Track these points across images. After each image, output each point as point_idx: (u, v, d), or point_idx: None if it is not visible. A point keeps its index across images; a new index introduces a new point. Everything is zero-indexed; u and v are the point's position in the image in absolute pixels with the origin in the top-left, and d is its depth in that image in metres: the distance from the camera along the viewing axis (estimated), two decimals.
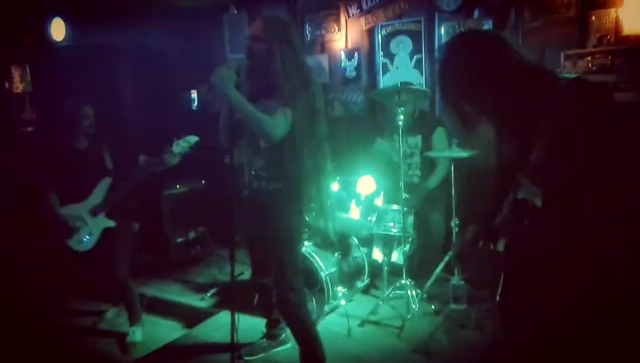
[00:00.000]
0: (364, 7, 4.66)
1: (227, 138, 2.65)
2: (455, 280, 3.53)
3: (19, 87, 5.36)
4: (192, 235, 5.19)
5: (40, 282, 4.22)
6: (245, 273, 4.12)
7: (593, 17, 3.68)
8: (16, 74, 5.36)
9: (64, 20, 4.67)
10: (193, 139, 3.27)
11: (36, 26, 4.69)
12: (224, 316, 3.71)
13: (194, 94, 5.56)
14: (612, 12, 3.60)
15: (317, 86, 2.64)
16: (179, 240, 5.11)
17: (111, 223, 3.41)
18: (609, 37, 3.60)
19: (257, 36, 2.56)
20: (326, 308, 3.57)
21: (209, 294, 4.19)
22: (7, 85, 5.36)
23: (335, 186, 4.01)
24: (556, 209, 1.53)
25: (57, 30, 4.69)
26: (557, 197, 1.52)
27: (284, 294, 2.74)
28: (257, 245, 2.90)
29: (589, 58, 3.50)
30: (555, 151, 1.49)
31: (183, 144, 3.24)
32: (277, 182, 2.65)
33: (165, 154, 3.20)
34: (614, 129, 1.49)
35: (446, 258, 3.70)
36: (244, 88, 2.59)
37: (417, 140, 4.05)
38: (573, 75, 1.62)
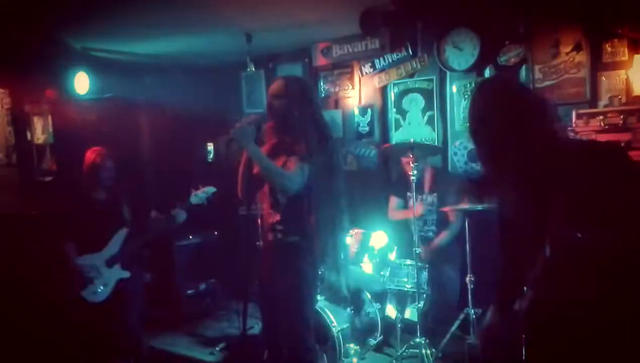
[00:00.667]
0: (377, 66, 4.80)
1: (244, 190, 2.71)
2: (472, 339, 3.45)
3: (40, 138, 5.49)
4: (202, 287, 5.15)
5: (50, 332, 4.18)
6: (255, 327, 4.06)
7: (603, 78, 3.76)
8: (38, 125, 5.51)
9: (88, 75, 4.83)
10: (211, 189, 3.35)
11: (60, 79, 4.85)
12: None
13: (211, 147, 5.68)
14: (622, 73, 3.67)
15: (335, 142, 2.71)
16: (190, 292, 5.07)
17: (126, 274, 3.40)
18: (620, 97, 3.66)
19: (277, 94, 2.66)
20: None
21: (218, 348, 4.12)
22: (29, 136, 5.50)
23: (348, 240, 4.00)
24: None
25: (81, 83, 4.83)
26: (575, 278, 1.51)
27: (295, 351, 2.69)
28: (269, 299, 2.87)
29: (601, 117, 3.54)
30: (572, 227, 1.48)
31: (201, 195, 3.31)
32: (294, 235, 2.66)
33: (174, 210, 3.26)
34: (633, 196, 1.48)
35: (462, 316, 3.63)
36: (265, 143, 2.67)
37: (432, 198, 4.06)
38: (585, 138, 1.64)
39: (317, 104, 2.76)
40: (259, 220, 2.81)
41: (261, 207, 2.79)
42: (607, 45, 3.73)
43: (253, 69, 5.06)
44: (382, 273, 3.84)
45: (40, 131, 5.50)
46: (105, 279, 3.37)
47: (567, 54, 3.89)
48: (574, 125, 3.65)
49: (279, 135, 2.71)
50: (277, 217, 2.68)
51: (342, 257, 2.89)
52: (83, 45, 4.84)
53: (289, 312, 2.71)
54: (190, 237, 5.17)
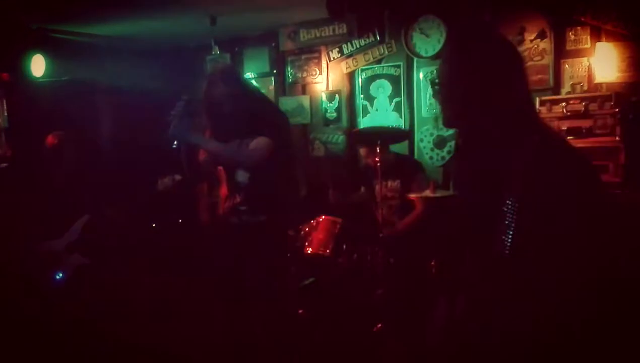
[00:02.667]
0: (345, 51, 4.76)
1: (191, 168, 2.73)
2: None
3: None
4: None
5: (11, 320, 4.03)
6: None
7: (566, 65, 3.82)
8: None
9: (45, 57, 4.64)
10: (177, 177, 3.28)
11: (15, 62, 4.65)
12: None
13: None
14: (584, 61, 3.74)
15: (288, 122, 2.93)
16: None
17: (86, 261, 3.32)
18: (582, 84, 3.74)
19: (228, 74, 2.75)
20: None
21: None
22: None
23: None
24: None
25: (37, 66, 4.65)
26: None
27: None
28: (238, 284, 2.82)
29: (564, 104, 3.62)
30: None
31: (167, 182, 3.26)
32: (260, 214, 2.66)
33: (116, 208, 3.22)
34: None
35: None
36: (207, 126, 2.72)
37: (396, 184, 4.06)
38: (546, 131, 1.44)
39: None
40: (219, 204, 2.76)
41: (217, 190, 2.76)
42: (570, 33, 3.79)
43: (218, 53, 4.95)
44: None
45: None
46: (64, 266, 3.27)
47: (531, 41, 3.93)
48: (537, 111, 3.73)
49: (230, 115, 2.67)
50: (239, 199, 2.65)
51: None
52: (40, 26, 4.64)
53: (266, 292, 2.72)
54: (154, 225, 5.05)
